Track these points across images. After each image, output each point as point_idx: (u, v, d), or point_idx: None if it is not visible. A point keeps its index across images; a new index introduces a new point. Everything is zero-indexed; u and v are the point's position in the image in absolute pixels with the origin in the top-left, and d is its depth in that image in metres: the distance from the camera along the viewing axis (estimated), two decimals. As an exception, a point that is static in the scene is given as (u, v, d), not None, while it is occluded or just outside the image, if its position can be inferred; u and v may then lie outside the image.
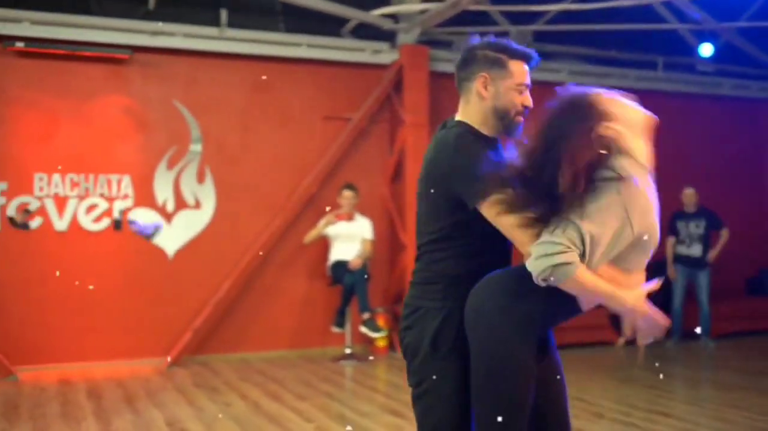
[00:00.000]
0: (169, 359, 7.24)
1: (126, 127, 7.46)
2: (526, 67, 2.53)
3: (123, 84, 7.45)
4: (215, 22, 7.67)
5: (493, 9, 8.43)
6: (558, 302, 2.24)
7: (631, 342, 8.10)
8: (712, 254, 8.45)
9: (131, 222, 7.32)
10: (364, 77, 8.25)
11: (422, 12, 8.04)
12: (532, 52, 2.54)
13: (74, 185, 7.22)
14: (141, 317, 7.34)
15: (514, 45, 2.52)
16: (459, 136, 2.47)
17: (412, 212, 8.05)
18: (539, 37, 9.11)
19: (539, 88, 8.96)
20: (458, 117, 2.59)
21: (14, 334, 6.91)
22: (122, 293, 7.31)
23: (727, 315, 8.91)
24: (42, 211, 7.10)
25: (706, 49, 8.61)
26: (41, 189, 7.11)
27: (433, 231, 2.49)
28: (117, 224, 7.35)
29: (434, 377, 2.42)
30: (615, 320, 8.30)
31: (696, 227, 8.54)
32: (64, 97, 7.21)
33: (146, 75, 7.52)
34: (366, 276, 7.38)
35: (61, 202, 7.18)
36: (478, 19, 8.53)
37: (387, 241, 8.31)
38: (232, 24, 7.74)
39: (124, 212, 7.37)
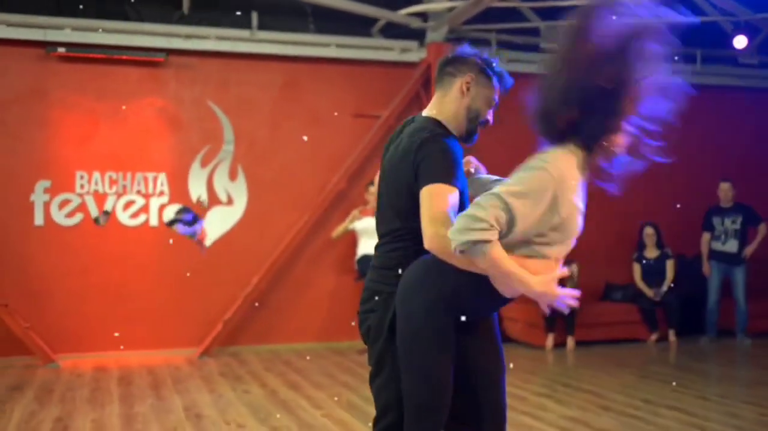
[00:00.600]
0: (199, 350, 7.55)
1: (162, 127, 7.79)
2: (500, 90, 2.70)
3: (159, 86, 7.78)
4: (247, 25, 7.93)
5: (524, 5, 8.45)
6: (471, 282, 2.33)
7: (663, 339, 8.04)
8: (749, 250, 8.27)
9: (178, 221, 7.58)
10: (393, 75, 8.39)
11: (450, 10, 8.13)
12: (511, 79, 2.71)
13: (113, 182, 7.59)
14: (175, 309, 7.66)
15: (500, 68, 2.70)
16: (431, 132, 2.56)
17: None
18: (571, 32, 9.07)
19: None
20: (428, 112, 2.70)
21: (56, 324, 7.32)
22: (157, 286, 7.64)
23: (766, 313, 8.71)
24: (83, 207, 7.49)
25: (740, 41, 8.42)
26: (82, 187, 7.50)
27: (395, 220, 2.61)
28: (153, 220, 7.68)
29: (390, 359, 2.54)
30: (649, 318, 8.25)
31: (732, 223, 8.38)
32: (103, 99, 7.58)
33: (181, 77, 7.84)
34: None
35: (100, 199, 7.55)
36: (508, 15, 8.57)
37: (416, 237, 8.44)
38: (262, 26, 7.99)
39: (159, 209, 7.70)
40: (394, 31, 8.50)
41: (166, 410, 5.29)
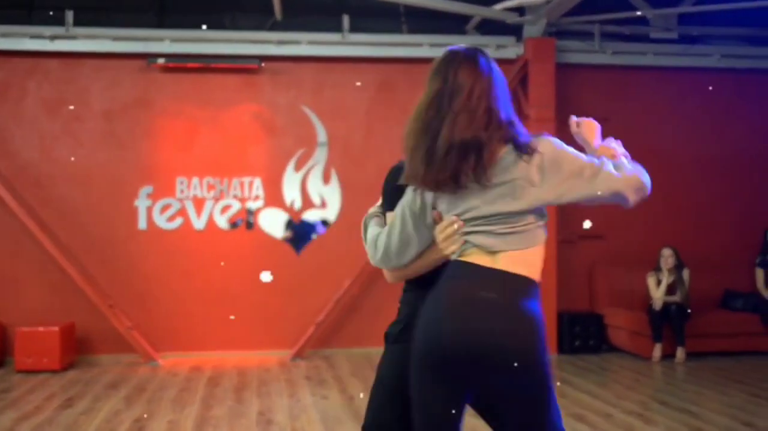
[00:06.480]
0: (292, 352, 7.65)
1: (257, 132, 7.95)
2: None
3: (254, 92, 7.95)
4: (338, 28, 7.94)
5: (631, -7, 7.95)
6: None
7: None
8: None
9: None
10: (489, 73, 8.12)
11: (547, 2, 7.77)
12: None
13: (211, 187, 7.82)
14: (270, 311, 7.80)
15: None
16: None
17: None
18: (685, 19, 8.46)
19: (686, 75, 8.45)
20: None
21: (159, 324, 7.64)
22: (252, 288, 7.79)
23: None
24: (183, 211, 7.77)
25: None
26: (182, 192, 7.78)
27: None
28: (249, 224, 7.86)
29: None
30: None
31: None
32: (202, 107, 7.83)
33: (275, 83, 7.97)
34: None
35: (199, 203, 7.81)
36: (614, 4, 8.08)
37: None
38: (354, 29, 7.96)
39: (255, 212, 7.86)
40: (489, 27, 8.24)
41: (240, 414, 5.37)
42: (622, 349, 7.88)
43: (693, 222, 8.47)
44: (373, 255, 2.36)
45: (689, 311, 7.52)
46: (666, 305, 7.48)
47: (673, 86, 8.50)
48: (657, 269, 7.74)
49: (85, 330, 7.47)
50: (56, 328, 6.96)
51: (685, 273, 7.67)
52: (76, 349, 7.38)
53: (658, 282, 7.65)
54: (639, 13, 8.07)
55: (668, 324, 7.49)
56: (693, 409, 5.40)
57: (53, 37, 7.54)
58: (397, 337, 2.50)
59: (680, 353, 7.41)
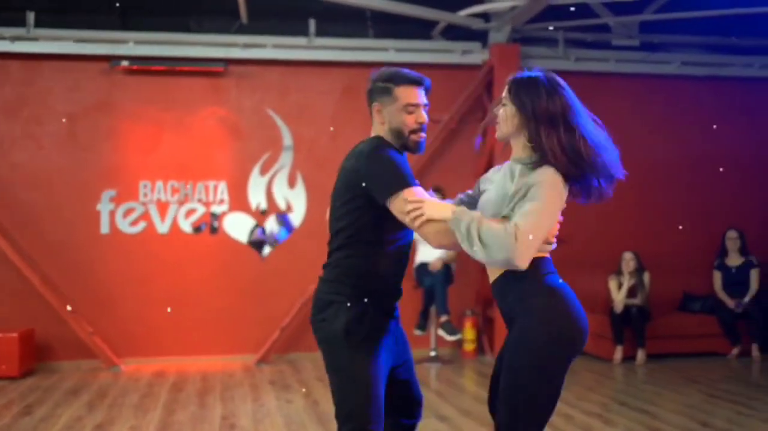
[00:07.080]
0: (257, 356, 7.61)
1: (222, 136, 7.91)
2: (418, 90, 2.76)
3: (219, 96, 7.90)
4: (304, 32, 7.94)
5: (594, 0, 8.05)
6: None
7: (746, 354, 7.50)
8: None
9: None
10: (455, 78, 8.19)
11: (512, 9, 7.85)
12: (420, 76, 2.80)
13: (175, 191, 7.76)
14: (234, 316, 7.75)
15: (403, 72, 2.77)
16: (375, 145, 2.73)
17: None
18: (646, 27, 8.61)
19: (648, 82, 8.56)
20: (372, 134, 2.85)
21: (121, 328, 7.55)
22: (218, 293, 7.75)
23: None
24: (146, 215, 7.70)
25: None
26: (145, 195, 7.71)
27: (344, 231, 2.73)
28: (213, 228, 7.81)
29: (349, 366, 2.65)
30: (729, 331, 7.70)
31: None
32: (166, 110, 7.77)
33: (240, 86, 7.94)
34: (447, 279, 7.36)
35: (163, 207, 7.74)
36: (577, 12, 8.19)
37: (480, 243, 8.21)
38: (321, 33, 7.97)
39: (219, 217, 7.82)
40: (455, 32, 8.31)
41: (204, 419, 5.34)
42: (583, 352, 7.98)
43: (653, 226, 8.61)
44: (512, 248, 2.37)
45: (650, 313, 7.67)
46: (627, 308, 7.60)
47: (634, 92, 8.64)
48: (618, 272, 7.86)
49: (45, 336, 7.36)
50: (15, 334, 6.85)
51: (646, 277, 7.81)
52: (36, 356, 7.27)
53: (620, 285, 7.77)
54: (602, 20, 8.21)
55: (629, 327, 7.61)
56: (652, 410, 5.50)
57: (14, 39, 7.43)
58: (366, 336, 2.64)
59: (641, 355, 7.54)
